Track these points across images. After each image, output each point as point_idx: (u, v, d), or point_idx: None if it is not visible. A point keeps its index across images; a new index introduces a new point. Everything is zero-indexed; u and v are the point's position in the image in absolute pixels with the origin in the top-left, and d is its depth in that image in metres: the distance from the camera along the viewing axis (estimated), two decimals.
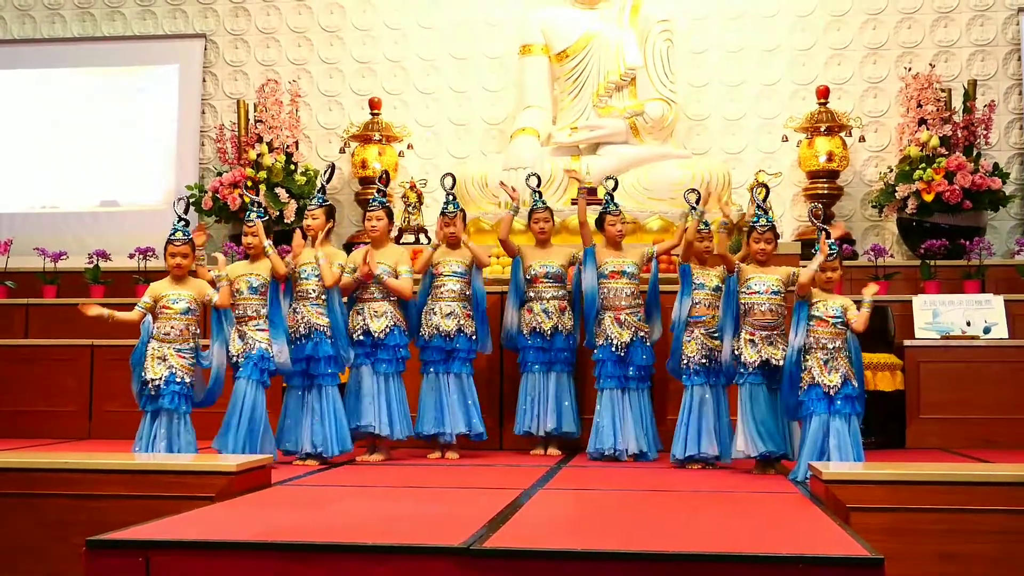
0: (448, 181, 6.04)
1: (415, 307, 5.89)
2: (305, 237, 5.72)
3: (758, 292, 5.06)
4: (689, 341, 5.38)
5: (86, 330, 7.22)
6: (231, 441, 5.26)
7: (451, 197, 5.99)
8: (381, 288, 5.70)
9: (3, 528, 4.14)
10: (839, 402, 4.78)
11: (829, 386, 4.76)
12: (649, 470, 5.38)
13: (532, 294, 6.00)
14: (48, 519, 4.10)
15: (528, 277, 6.01)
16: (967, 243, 7.60)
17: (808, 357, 4.84)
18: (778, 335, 5.05)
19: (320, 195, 5.72)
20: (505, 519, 3.59)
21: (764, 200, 5.42)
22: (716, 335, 5.33)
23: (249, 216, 5.60)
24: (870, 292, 4.93)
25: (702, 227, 5.52)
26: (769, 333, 5.05)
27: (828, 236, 4.98)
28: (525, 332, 5.96)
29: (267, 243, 5.56)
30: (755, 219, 5.18)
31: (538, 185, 6.23)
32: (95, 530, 3.39)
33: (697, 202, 5.56)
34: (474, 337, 5.86)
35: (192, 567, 3.12)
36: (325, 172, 5.85)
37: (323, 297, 5.55)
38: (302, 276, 5.59)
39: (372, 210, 5.83)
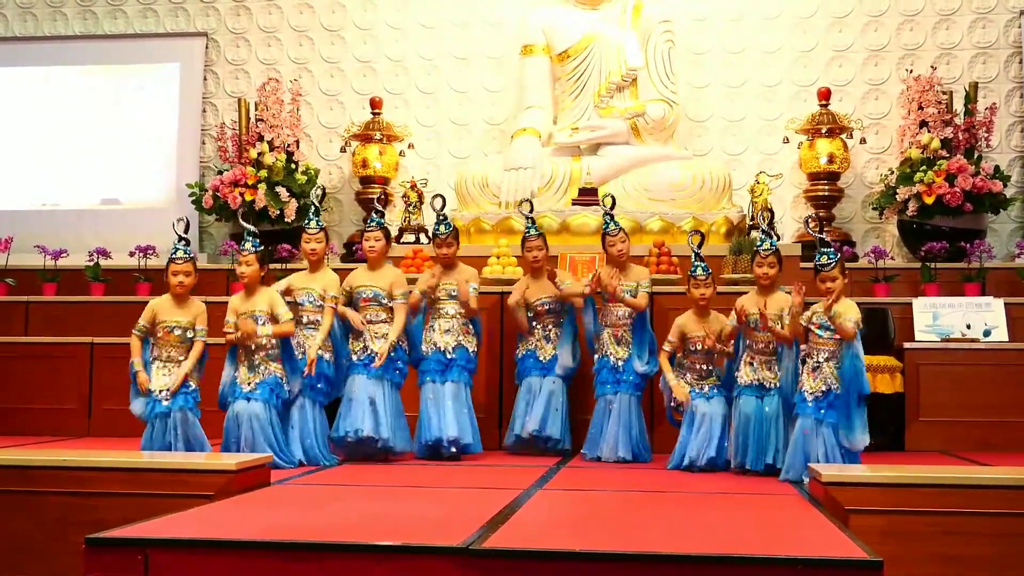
0: (438, 202, 5.93)
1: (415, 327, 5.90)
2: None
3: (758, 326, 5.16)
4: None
5: (85, 328, 7.25)
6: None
7: (442, 217, 5.88)
8: (379, 310, 5.71)
9: (2, 526, 4.15)
10: (823, 411, 4.83)
11: (809, 391, 4.87)
12: (648, 472, 5.39)
13: (536, 325, 6.07)
14: (48, 517, 4.11)
15: (531, 314, 6.07)
16: (967, 246, 7.59)
17: (803, 365, 4.98)
18: (775, 360, 5.21)
19: (316, 217, 5.71)
20: (504, 519, 3.59)
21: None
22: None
23: (244, 245, 5.49)
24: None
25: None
26: (767, 358, 5.22)
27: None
28: (524, 350, 6.07)
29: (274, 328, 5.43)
30: (759, 243, 5.25)
31: (531, 211, 6.24)
32: (94, 528, 3.40)
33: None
34: (474, 351, 5.85)
35: (191, 565, 3.13)
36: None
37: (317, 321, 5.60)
38: (303, 302, 5.61)
39: (370, 230, 5.77)
